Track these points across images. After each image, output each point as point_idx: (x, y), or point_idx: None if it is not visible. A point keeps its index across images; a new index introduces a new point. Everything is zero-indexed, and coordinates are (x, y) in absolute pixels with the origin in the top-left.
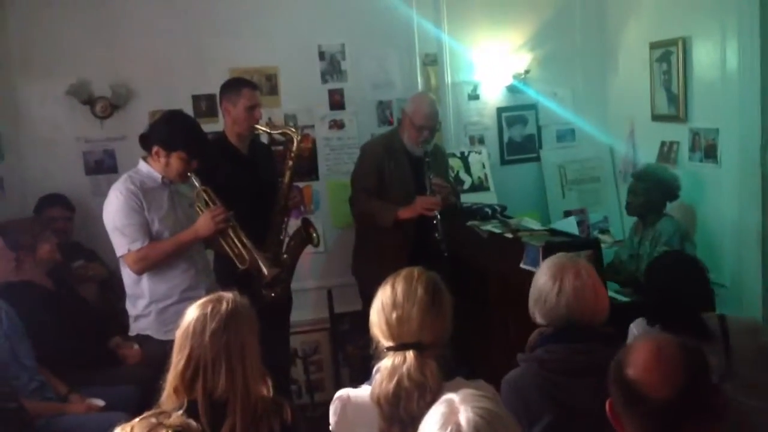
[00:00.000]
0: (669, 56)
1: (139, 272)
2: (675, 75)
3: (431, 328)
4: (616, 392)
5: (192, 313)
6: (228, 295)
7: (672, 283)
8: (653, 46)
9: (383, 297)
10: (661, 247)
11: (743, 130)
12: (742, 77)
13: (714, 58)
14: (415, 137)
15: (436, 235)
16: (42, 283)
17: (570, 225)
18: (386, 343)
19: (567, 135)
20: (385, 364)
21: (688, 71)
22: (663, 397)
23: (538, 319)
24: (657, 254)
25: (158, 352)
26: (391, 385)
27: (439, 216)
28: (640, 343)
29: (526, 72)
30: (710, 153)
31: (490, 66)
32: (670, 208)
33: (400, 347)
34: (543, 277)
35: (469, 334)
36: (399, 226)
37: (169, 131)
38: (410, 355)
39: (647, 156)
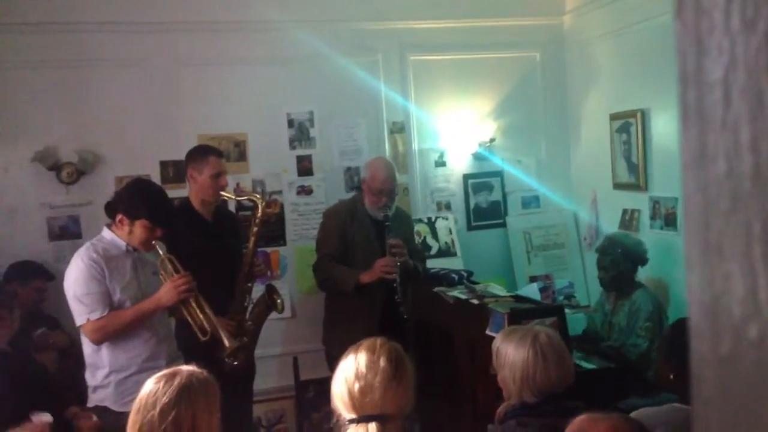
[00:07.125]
0: (628, 127)
1: (98, 342)
2: (634, 145)
3: (394, 399)
4: None
5: (146, 387)
6: (185, 369)
7: None
8: (613, 117)
9: (345, 368)
10: (642, 323)
11: None
12: None
13: (671, 129)
14: (375, 202)
15: (396, 297)
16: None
17: (533, 291)
18: (348, 415)
19: (532, 202)
20: None
21: (647, 141)
22: None
23: (528, 397)
24: (640, 330)
25: (115, 424)
26: None
27: (398, 279)
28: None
29: (492, 140)
30: (670, 221)
31: (456, 134)
32: (644, 280)
33: (362, 419)
34: (519, 351)
35: (437, 402)
36: (367, 293)
37: (133, 199)
38: (372, 427)
39: (610, 223)
